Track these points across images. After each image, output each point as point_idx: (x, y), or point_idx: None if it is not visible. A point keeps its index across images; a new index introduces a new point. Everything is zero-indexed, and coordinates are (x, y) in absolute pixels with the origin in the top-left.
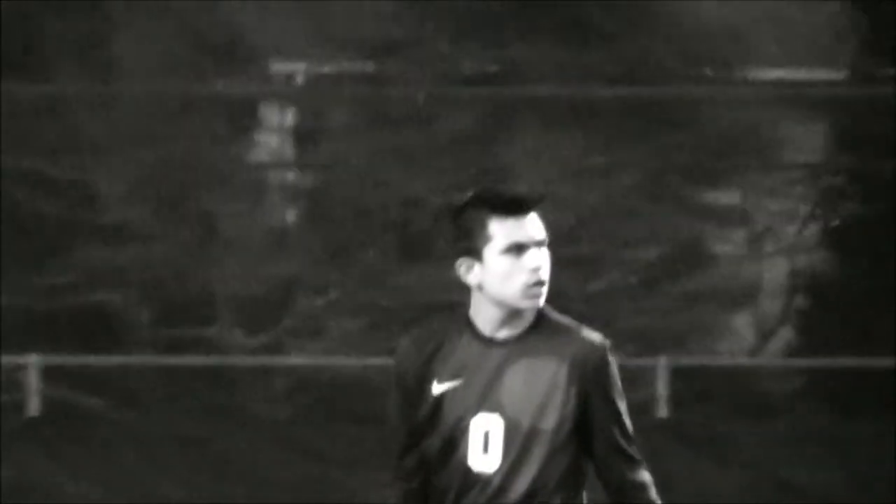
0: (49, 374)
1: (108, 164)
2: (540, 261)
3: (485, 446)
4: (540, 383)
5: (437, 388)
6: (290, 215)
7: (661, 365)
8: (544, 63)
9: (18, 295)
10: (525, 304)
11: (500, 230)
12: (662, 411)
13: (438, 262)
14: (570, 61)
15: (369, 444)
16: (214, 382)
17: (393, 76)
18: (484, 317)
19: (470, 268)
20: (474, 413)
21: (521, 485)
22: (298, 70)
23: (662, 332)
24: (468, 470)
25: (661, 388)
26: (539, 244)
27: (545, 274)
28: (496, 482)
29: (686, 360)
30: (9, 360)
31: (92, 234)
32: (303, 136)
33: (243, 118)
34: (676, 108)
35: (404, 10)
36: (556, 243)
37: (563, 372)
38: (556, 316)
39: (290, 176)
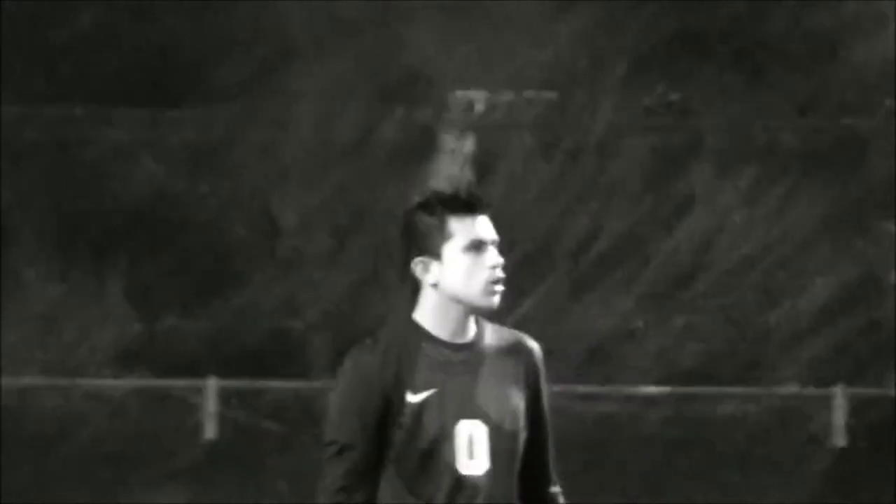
0: (226, 397)
1: (289, 191)
2: (498, 259)
3: (469, 452)
4: (507, 386)
5: (414, 398)
6: None
7: (839, 394)
8: (722, 94)
9: (199, 318)
10: (485, 301)
11: (461, 228)
12: (840, 440)
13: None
14: (748, 93)
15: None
16: None
17: (571, 105)
18: (441, 321)
19: (427, 267)
20: (457, 420)
21: (509, 486)
22: (478, 98)
23: (840, 362)
24: (458, 475)
25: (839, 417)
26: (494, 243)
27: (502, 273)
28: (486, 485)
29: (864, 390)
30: (188, 383)
31: (273, 261)
32: (481, 164)
33: (423, 146)
34: (855, 140)
35: (583, 41)
36: (734, 273)
37: (520, 374)
38: (485, 321)
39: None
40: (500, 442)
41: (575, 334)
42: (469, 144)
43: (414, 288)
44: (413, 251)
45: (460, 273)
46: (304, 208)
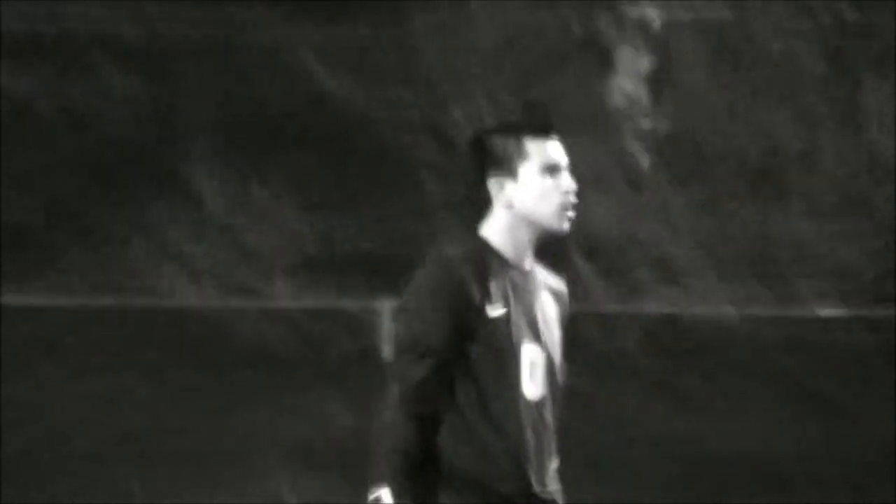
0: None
1: (468, 101)
2: (572, 184)
3: (531, 375)
4: (555, 321)
5: (493, 312)
6: (646, 162)
7: None
8: None
9: (376, 238)
10: (557, 223)
11: (537, 150)
12: None
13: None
14: None
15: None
16: (568, 328)
17: (748, 22)
18: (510, 242)
19: (502, 186)
20: (521, 341)
21: (553, 416)
22: (654, 15)
23: None
24: (524, 398)
25: None
26: (568, 168)
27: (575, 198)
28: (540, 409)
29: None
30: (363, 303)
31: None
32: (658, 82)
33: (600, 63)
34: None
35: None
36: None
37: (560, 315)
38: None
39: (645, 122)
40: (552, 371)
41: (773, 241)
42: (644, 62)
43: (483, 207)
44: (489, 170)
45: (535, 193)
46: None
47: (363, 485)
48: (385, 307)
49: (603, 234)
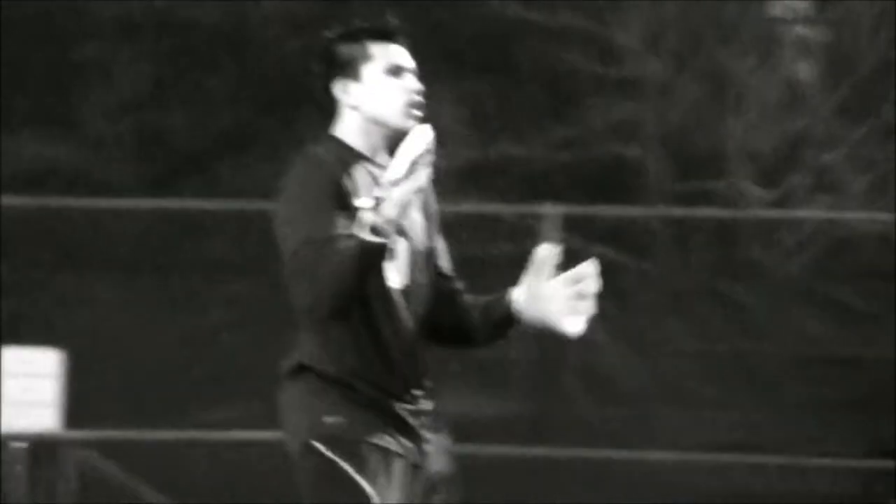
0: (566, 224)
1: (623, 16)
2: (416, 85)
3: (395, 266)
4: (417, 207)
5: (360, 203)
6: (803, 70)
7: None
8: None
9: (534, 146)
10: (403, 122)
11: (381, 52)
12: None
13: None
14: None
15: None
16: (724, 235)
17: None
18: (365, 140)
19: (346, 88)
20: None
21: (421, 300)
22: None
23: None
24: (388, 288)
25: None
26: (413, 71)
27: (419, 98)
28: (407, 299)
29: None
30: (522, 209)
31: (608, 87)
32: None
33: None
34: None
35: None
36: None
37: (423, 199)
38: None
39: (803, 31)
40: (417, 259)
41: None
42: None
43: (333, 111)
44: (334, 74)
45: (380, 95)
46: (641, 35)
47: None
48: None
49: (761, 143)
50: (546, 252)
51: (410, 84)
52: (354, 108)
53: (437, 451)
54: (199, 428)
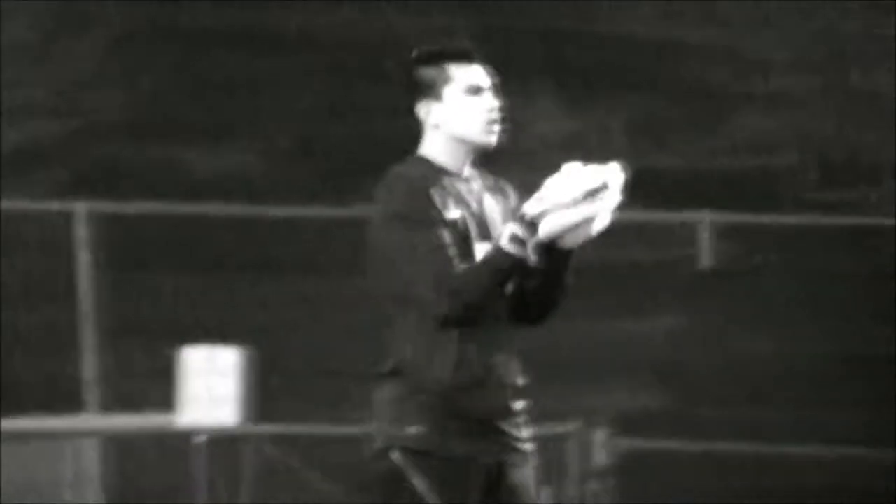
0: (720, 231)
1: (770, 32)
2: (495, 102)
3: None
4: (501, 215)
5: (451, 215)
6: None
7: None
8: None
9: (684, 157)
10: (485, 138)
11: (459, 73)
12: None
13: None
14: None
15: None
16: (869, 243)
17: None
18: (449, 156)
19: (429, 109)
20: (477, 241)
21: (505, 310)
22: None
23: None
24: None
25: None
26: (492, 90)
27: (499, 114)
28: (498, 304)
29: None
30: (681, 216)
31: (754, 100)
32: None
33: None
34: None
35: None
36: None
37: (506, 210)
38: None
39: None
40: None
41: None
42: None
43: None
44: (417, 96)
45: (460, 114)
46: (787, 52)
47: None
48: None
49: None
50: (567, 171)
51: (489, 102)
52: (437, 127)
53: (527, 452)
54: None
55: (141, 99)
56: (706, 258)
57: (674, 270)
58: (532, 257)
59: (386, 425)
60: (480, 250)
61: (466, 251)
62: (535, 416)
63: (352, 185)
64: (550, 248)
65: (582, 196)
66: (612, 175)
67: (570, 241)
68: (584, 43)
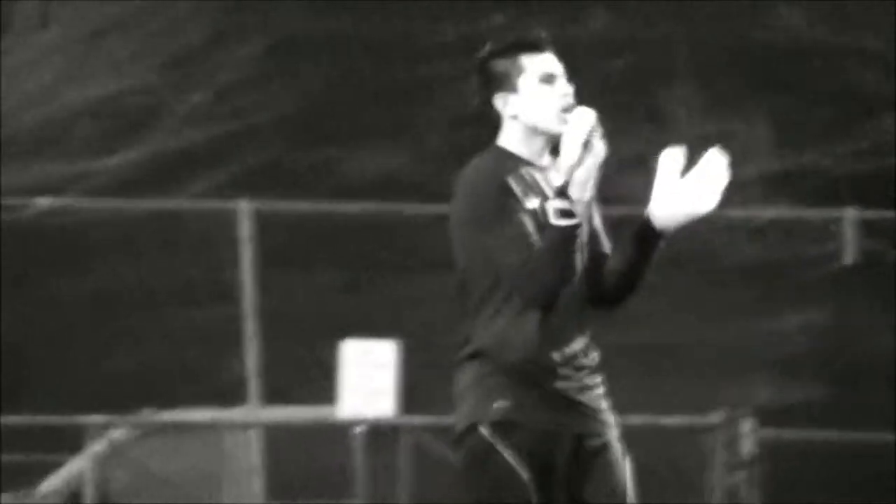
0: (865, 226)
1: None
2: (568, 88)
3: None
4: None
5: (530, 204)
6: None
7: None
8: None
9: (836, 151)
10: (559, 126)
11: (531, 63)
12: None
13: None
14: None
15: None
16: None
17: None
18: (527, 146)
19: (506, 101)
20: None
21: (583, 282)
22: None
23: None
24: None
25: None
26: (563, 76)
27: (572, 100)
28: (575, 286)
29: None
30: (828, 213)
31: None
32: None
33: None
34: None
35: None
36: None
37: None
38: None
39: None
40: (583, 250)
41: None
42: None
43: (496, 124)
44: (493, 89)
45: (536, 102)
46: None
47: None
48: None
49: None
50: (671, 155)
51: (563, 88)
52: (515, 117)
53: (606, 422)
54: None
55: (300, 103)
56: (850, 254)
57: (818, 266)
58: (582, 216)
59: (472, 403)
60: None
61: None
62: (680, 407)
63: None
64: (643, 235)
65: (582, 147)
66: (715, 160)
67: (665, 221)
68: (731, 46)
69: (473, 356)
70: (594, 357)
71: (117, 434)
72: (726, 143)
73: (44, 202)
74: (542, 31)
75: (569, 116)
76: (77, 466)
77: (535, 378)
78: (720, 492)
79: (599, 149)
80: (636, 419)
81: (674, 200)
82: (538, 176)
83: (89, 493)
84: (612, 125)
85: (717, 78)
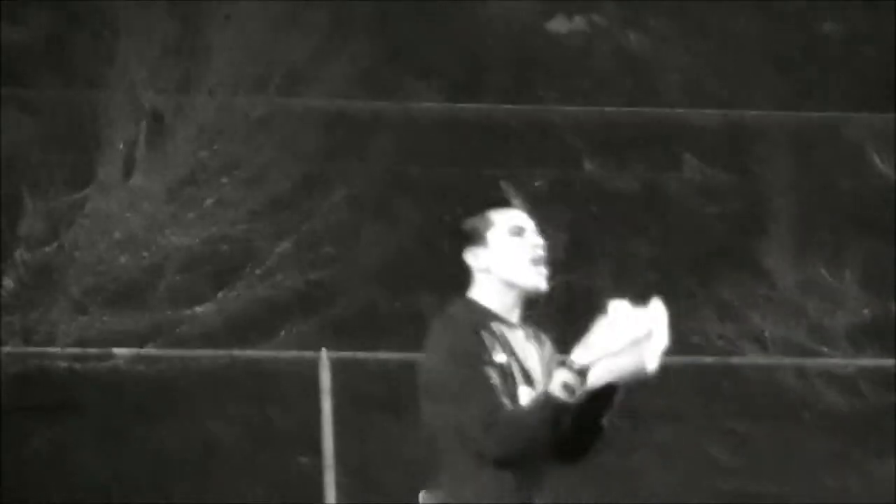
0: None
1: None
2: (538, 240)
3: None
4: (544, 365)
5: (499, 358)
6: None
7: None
8: None
9: None
10: (533, 281)
11: (500, 217)
12: None
13: None
14: None
15: None
16: None
17: None
18: (498, 301)
19: (477, 255)
20: (520, 386)
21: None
22: None
23: None
24: None
25: None
26: (533, 230)
27: (542, 252)
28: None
29: None
30: None
31: None
32: None
33: None
34: None
35: None
36: None
37: (546, 358)
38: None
39: None
40: None
41: None
42: None
43: (467, 279)
44: (465, 243)
45: (506, 255)
46: None
47: None
48: None
49: None
50: (618, 308)
51: (532, 240)
52: (485, 271)
53: None
54: None
55: (391, 250)
56: None
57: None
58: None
59: None
60: (524, 395)
61: (512, 395)
62: None
63: None
64: (594, 392)
65: (629, 343)
66: (658, 316)
67: (597, 376)
68: (822, 192)
69: None
70: None
71: None
72: (817, 290)
73: (126, 353)
74: (510, 185)
75: (538, 280)
76: None
77: None
78: None
79: (651, 360)
80: None
81: (617, 366)
82: (507, 332)
83: None
84: (704, 272)
85: (806, 225)
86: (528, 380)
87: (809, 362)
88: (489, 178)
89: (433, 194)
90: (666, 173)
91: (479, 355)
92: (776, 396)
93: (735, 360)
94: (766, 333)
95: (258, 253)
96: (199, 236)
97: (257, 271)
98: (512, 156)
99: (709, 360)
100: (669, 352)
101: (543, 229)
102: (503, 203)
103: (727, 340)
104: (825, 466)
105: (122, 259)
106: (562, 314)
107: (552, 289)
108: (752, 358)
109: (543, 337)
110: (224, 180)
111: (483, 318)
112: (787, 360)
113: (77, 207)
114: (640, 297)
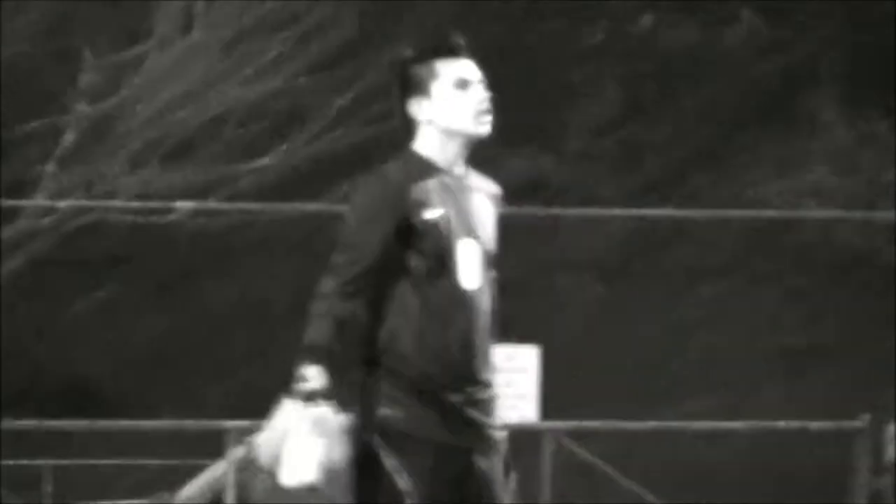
0: None
1: None
2: (483, 94)
3: (468, 268)
4: (488, 217)
5: (430, 215)
6: None
7: None
8: None
9: None
10: (475, 128)
11: (446, 69)
12: None
13: None
14: None
15: None
16: None
17: None
18: (441, 152)
19: (420, 106)
20: (459, 238)
21: (490, 299)
22: None
23: None
24: (460, 288)
25: None
26: (480, 82)
27: (487, 104)
28: (478, 298)
29: None
30: None
31: None
32: None
33: None
34: None
35: None
36: None
37: (492, 211)
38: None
39: None
40: (486, 261)
41: None
42: None
43: (411, 128)
44: (408, 94)
45: (450, 107)
46: None
47: None
48: None
49: None
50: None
51: (477, 94)
52: (429, 122)
53: (497, 440)
54: (668, 419)
55: None
56: None
57: None
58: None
59: (364, 407)
60: (464, 246)
61: (444, 250)
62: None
63: (660, 189)
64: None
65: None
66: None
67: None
68: (877, 49)
69: (372, 359)
70: (489, 371)
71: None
72: (873, 143)
73: (187, 206)
74: (460, 36)
75: (482, 129)
76: (218, 471)
77: (430, 389)
78: (865, 496)
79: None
80: (782, 423)
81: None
82: (450, 182)
83: (230, 498)
84: (756, 129)
85: (862, 81)
86: (471, 231)
87: (869, 216)
88: (544, 36)
89: (486, 52)
90: (723, 28)
91: (382, 225)
92: (834, 251)
93: (793, 213)
94: (823, 187)
95: (317, 108)
96: (258, 91)
97: (314, 126)
98: (570, 9)
99: (769, 213)
100: (726, 206)
101: (598, 84)
102: (447, 52)
103: (784, 196)
104: (884, 320)
105: (182, 113)
106: (615, 169)
107: (606, 146)
108: (811, 211)
109: (491, 188)
110: (283, 35)
111: (421, 171)
112: (846, 214)
113: (136, 62)
114: (695, 152)
